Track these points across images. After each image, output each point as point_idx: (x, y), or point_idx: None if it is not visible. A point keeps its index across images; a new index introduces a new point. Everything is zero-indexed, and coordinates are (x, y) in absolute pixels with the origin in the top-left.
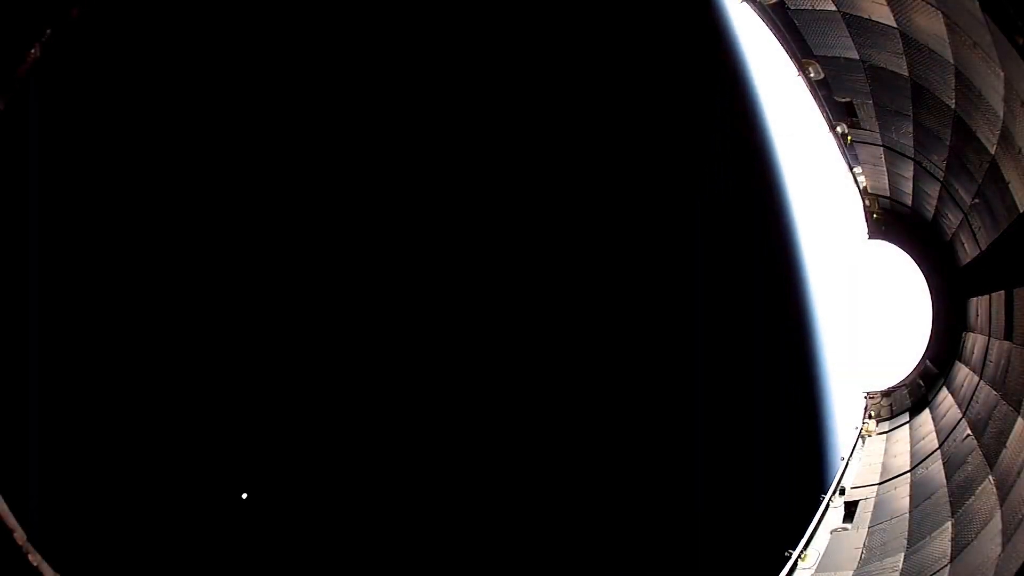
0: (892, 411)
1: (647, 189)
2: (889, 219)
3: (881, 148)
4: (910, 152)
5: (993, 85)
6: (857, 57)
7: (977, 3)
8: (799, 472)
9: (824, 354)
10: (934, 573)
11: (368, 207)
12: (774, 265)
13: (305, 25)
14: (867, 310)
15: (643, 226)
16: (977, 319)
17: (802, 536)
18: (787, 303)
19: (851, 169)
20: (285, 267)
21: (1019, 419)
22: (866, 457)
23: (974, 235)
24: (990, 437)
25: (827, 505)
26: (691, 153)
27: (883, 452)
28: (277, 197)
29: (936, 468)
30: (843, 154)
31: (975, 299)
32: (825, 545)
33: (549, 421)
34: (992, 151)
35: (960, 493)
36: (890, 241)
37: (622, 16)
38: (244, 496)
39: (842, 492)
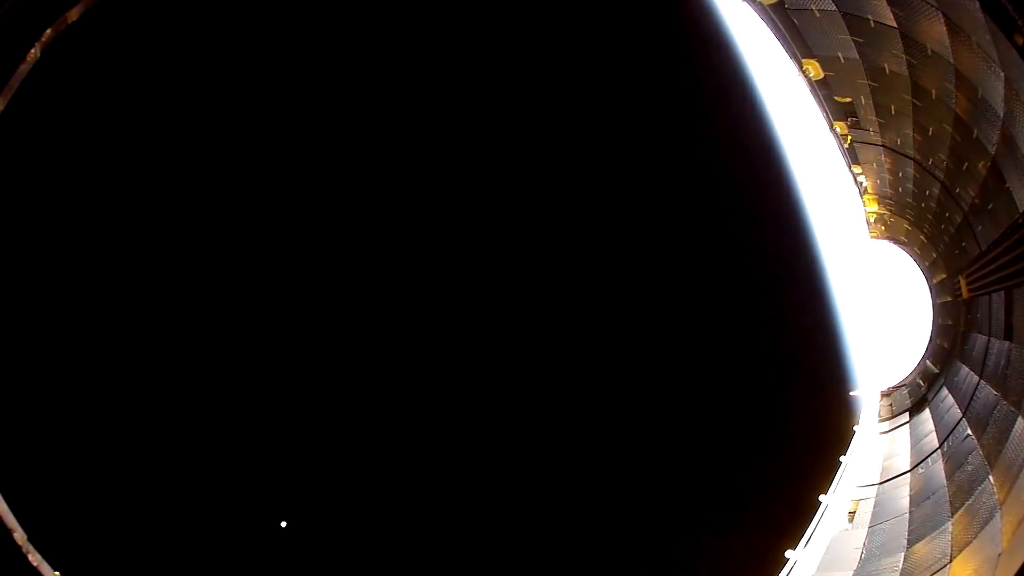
0: (892, 411)
1: (644, 188)
2: (889, 219)
3: (881, 148)
4: (910, 152)
5: (993, 85)
6: (857, 57)
7: (977, 3)
8: (800, 471)
9: (842, 349)
10: (934, 573)
11: (361, 207)
12: (776, 264)
13: (302, 27)
14: (867, 310)
15: (641, 225)
16: (977, 319)
17: (802, 536)
18: (789, 301)
19: (851, 169)
20: (297, 268)
21: (1019, 419)
22: (866, 457)
23: (974, 235)
24: (990, 437)
25: (827, 505)
26: (690, 154)
27: (883, 452)
28: (273, 197)
29: (936, 468)
30: (843, 154)
31: (975, 299)
32: (825, 545)
33: (551, 421)
34: (992, 151)
35: (960, 493)
36: (890, 241)
37: (621, 17)
38: (283, 524)
39: (842, 492)
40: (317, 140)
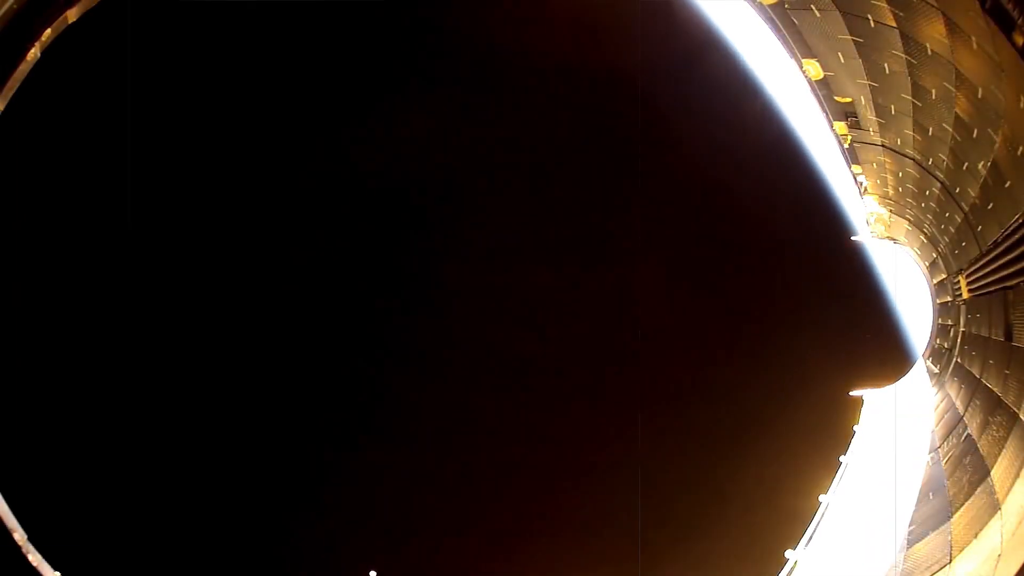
0: (892, 410)
1: (640, 188)
2: (889, 219)
3: (881, 148)
4: (910, 152)
5: (994, 85)
6: (857, 57)
7: (977, 3)
8: (800, 471)
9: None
10: (934, 574)
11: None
12: (775, 263)
13: (300, 28)
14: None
15: (638, 224)
16: (977, 319)
17: (802, 536)
18: (788, 300)
19: (851, 169)
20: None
21: (1019, 419)
22: (866, 457)
23: (974, 235)
24: (990, 437)
25: (827, 505)
26: (690, 154)
27: (883, 452)
28: (271, 197)
29: (936, 468)
30: (843, 154)
31: (975, 298)
32: (826, 546)
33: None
34: (992, 151)
35: (960, 493)
36: (891, 241)
37: (620, 16)
38: (373, 574)
39: (842, 492)
40: (314, 141)
